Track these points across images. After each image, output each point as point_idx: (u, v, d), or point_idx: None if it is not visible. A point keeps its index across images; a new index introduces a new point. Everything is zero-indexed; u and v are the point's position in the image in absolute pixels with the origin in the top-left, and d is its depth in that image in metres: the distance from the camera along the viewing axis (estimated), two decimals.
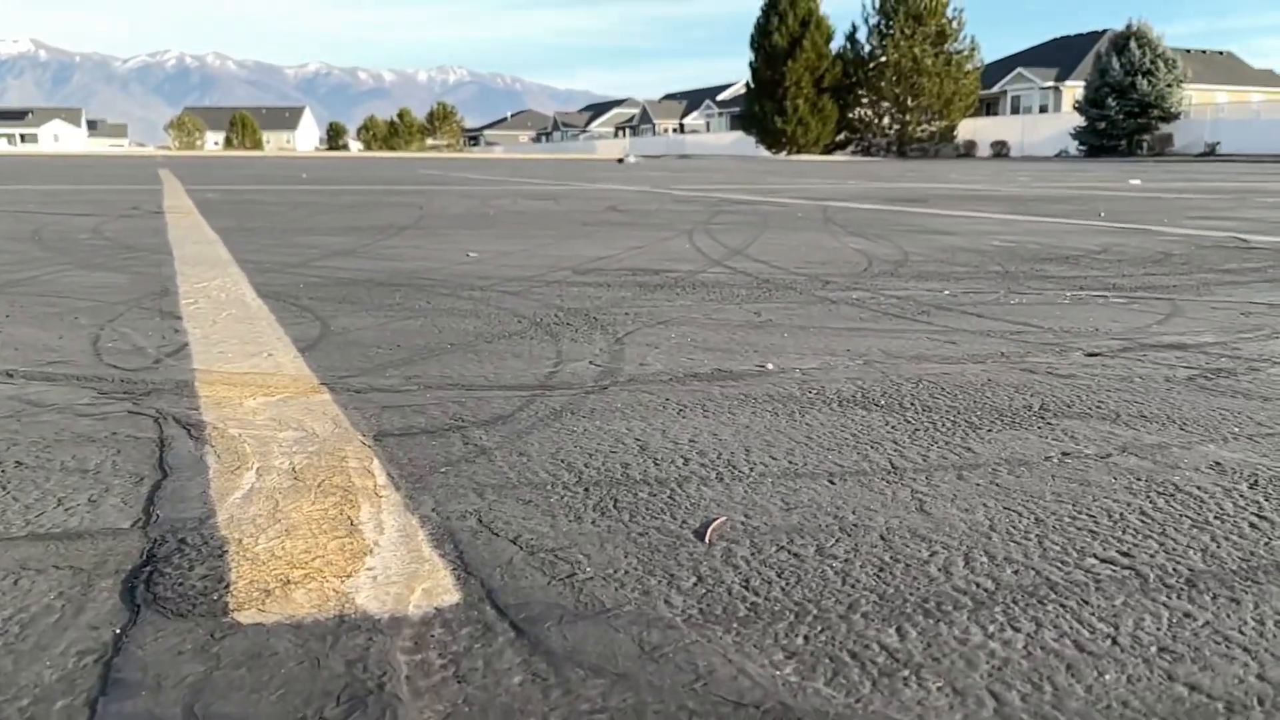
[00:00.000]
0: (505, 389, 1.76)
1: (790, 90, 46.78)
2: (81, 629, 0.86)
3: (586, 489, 1.24)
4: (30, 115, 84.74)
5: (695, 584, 0.97)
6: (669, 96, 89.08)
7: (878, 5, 45.55)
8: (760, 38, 48.01)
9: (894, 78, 44.93)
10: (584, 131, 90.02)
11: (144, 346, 2.08)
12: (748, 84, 50.71)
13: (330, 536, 1.06)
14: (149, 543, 1.05)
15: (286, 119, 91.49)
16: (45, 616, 0.88)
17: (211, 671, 0.79)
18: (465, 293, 2.93)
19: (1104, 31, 47.61)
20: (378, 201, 7.93)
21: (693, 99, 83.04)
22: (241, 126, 75.99)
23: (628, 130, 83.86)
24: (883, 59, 45.40)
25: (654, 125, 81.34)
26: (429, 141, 75.60)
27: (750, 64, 49.25)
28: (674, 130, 77.71)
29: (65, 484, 1.23)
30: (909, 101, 45.33)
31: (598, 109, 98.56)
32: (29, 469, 1.28)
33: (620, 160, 29.42)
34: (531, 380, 1.83)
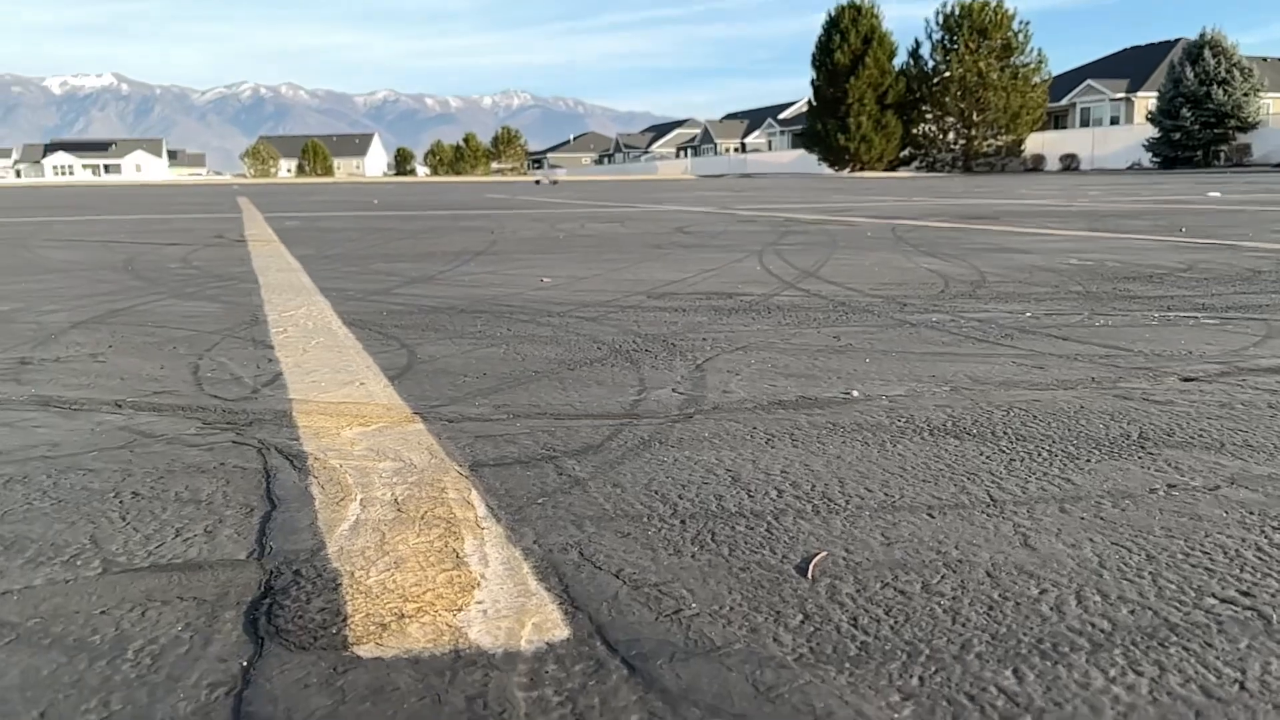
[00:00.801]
0: (592, 418, 1.77)
1: (853, 107, 46.51)
2: (210, 661, 0.89)
3: (683, 521, 1.24)
4: (114, 146, 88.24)
5: (802, 621, 0.97)
6: (730, 116, 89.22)
7: (941, 20, 45.11)
8: (822, 55, 47.87)
9: (959, 92, 44.41)
10: (645, 152, 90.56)
11: (241, 376, 2.14)
12: (810, 102, 50.57)
13: (438, 569, 1.09)
14: (265, 574, 1.08)
15: (356, 145, 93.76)
16: (175, 648, 0.92)
17: (338, 706, 0.81)
18: (544, 319, 2.97)
19: (1176, 41, 46.46)
20: (449, 227, 8.08)
21: (754, 118, 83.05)
22: (313, 154, 78.06)
23: (689, 150, 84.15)
24: (947, 74, 44.91)
25: (715, 145, 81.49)
26: (493, 165, 76.78)
27: (812, 82, 49.12)
28: (735, 149, 77.77)
29: (181, 515, 1.28)
30: (974, 116, 44.73)
31: (659, 130, 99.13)
32: (145, 500, 1.33)
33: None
34: (617, 409, 1.84)
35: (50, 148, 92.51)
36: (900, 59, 47.06)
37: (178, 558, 1.13)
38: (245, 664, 0.89)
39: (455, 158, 77.56)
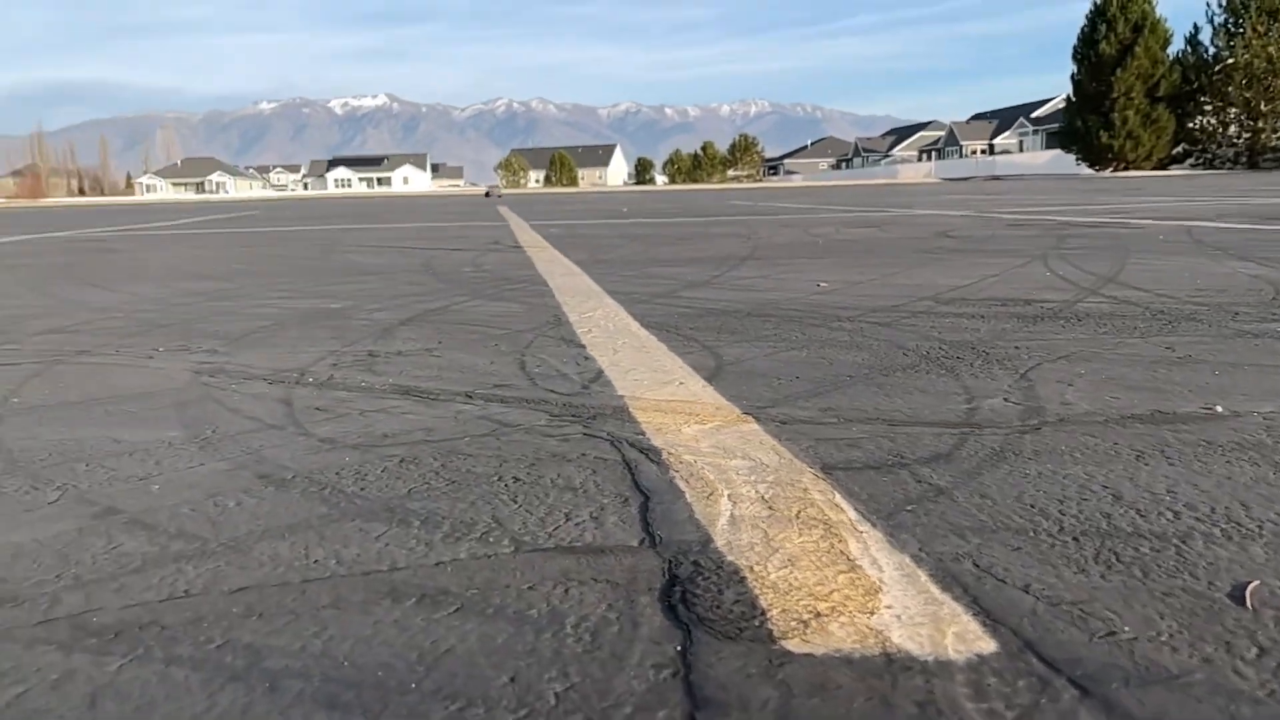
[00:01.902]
0: (928, 425, 1.72)
1: (1118, 101, 43.12)
2: (645, 642, 0.93)
3: (1075, 539, 1.17)
4: (385, 161, 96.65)
5: (1259, 655, 0.88)
6: (977, 116, 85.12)
7: (1225, 2, 40.89)
8: (1085, 47, 44.70)
9: (1244, 81, 40.09)
10: (886, 156, 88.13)
11: (567, 373, 2.25)
12: (1068, 98, 47.35)
13: (834, 570, 1.08)
14: (664, 563, 1.12)
15: (599, 156, 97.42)
16: (606, 627, 0.96)
17: (787, 699, 0.82)
18: (835, 324, 2.93)
19: None
20: (704, 233, 8.19)
21: (1004, 118, 78.81)
22: (559, 165, 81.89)
23: (932, 154, 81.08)
24: (1230, 61, 40.64)
25: (961, 147, 78.02)
26: (730, 172, 77.37)
27: (1072, 76, 45.97)
28: (982, 151, 74.11)
29: (563, 500, 1.35)
30: (1262, 106, 40.23)
31: (900, 133, 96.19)
32: (526, 484, 1.42)
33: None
34: (952, 417, 1.78)
35: (332, 163, 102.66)
36: (1174, 47, 43.10)
37: (577, 541, 1.19)
38: (679, 648, 0.92)
39: (693, 166, 78.85)
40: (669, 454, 1.55)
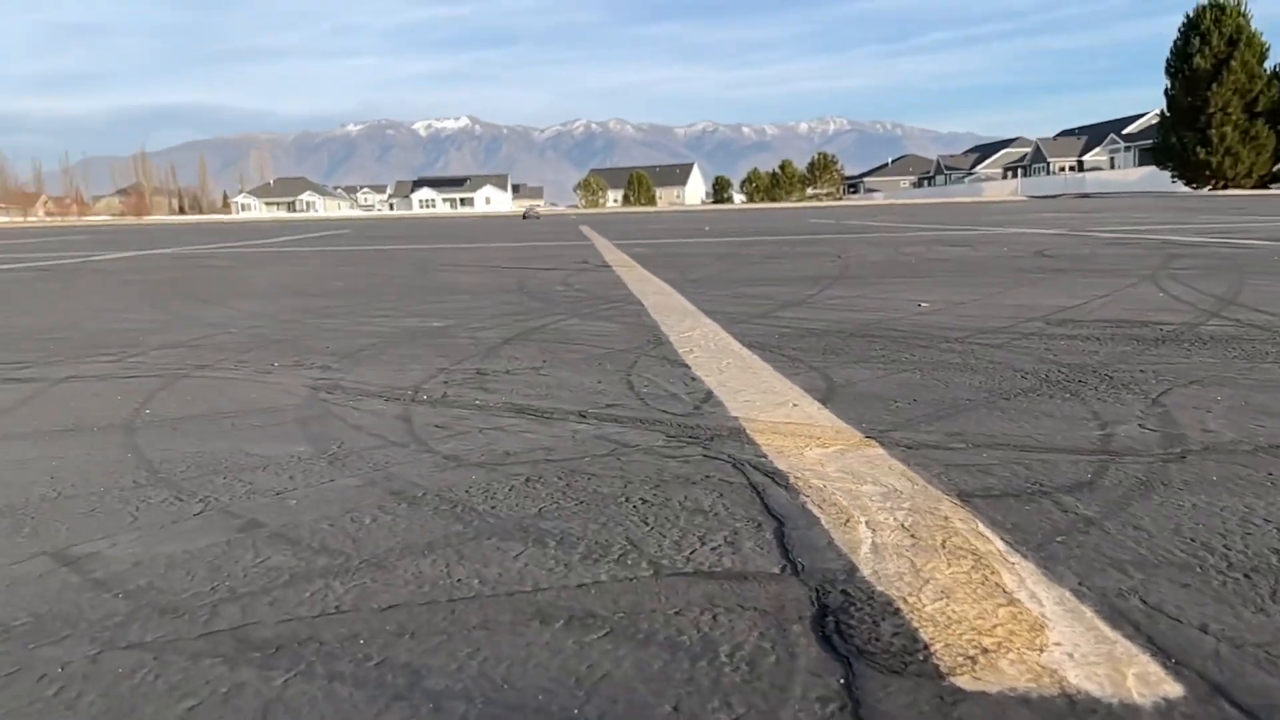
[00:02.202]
0: (1062, 451, 1.66)
1: (1215, 117, 41.61)
2: (804, 674, 0.91)
3: (1246, 575, 1.11)
4: (468, 182, 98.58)
5: None
6: (1065, 133, 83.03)
7: None
8: (1178, 62, 43.30)
9: None
10: (969, 174, 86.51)
11: (676, 393, 2.24)
12: (1162, 113, 45.88)
13: (993, 603, 1.04)
14: (811, 591, 1.09)
15: (676, 175, 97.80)
16: (762, 656, 0.94)
17: None
18: (943, 345, 2.86)
19: None
20: (791, 252, 8.13)
21: (1093, 134, 76.72)
22: (637, 184, 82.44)
23: (1018, 171, 79.31)
24: None
25: (1048, 164, 76.16)
26: (808, 191, 76.86)
27: (1165, 91, 44.54)
28: (1070, 168, 72.23)
29: (694, 523, 1.33)
30: None
31: (984, 150, 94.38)
32: (655, 506, 1.41)
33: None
34: (1085, 444, 1.71)
35: (416, 184, 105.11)
36: (1273, 60, 41.44)
37: (716, 566, 1.17)
38: (842, 681, 0.89)
39: (771, 184, 78.58)
40: (796, 478, 1.52)
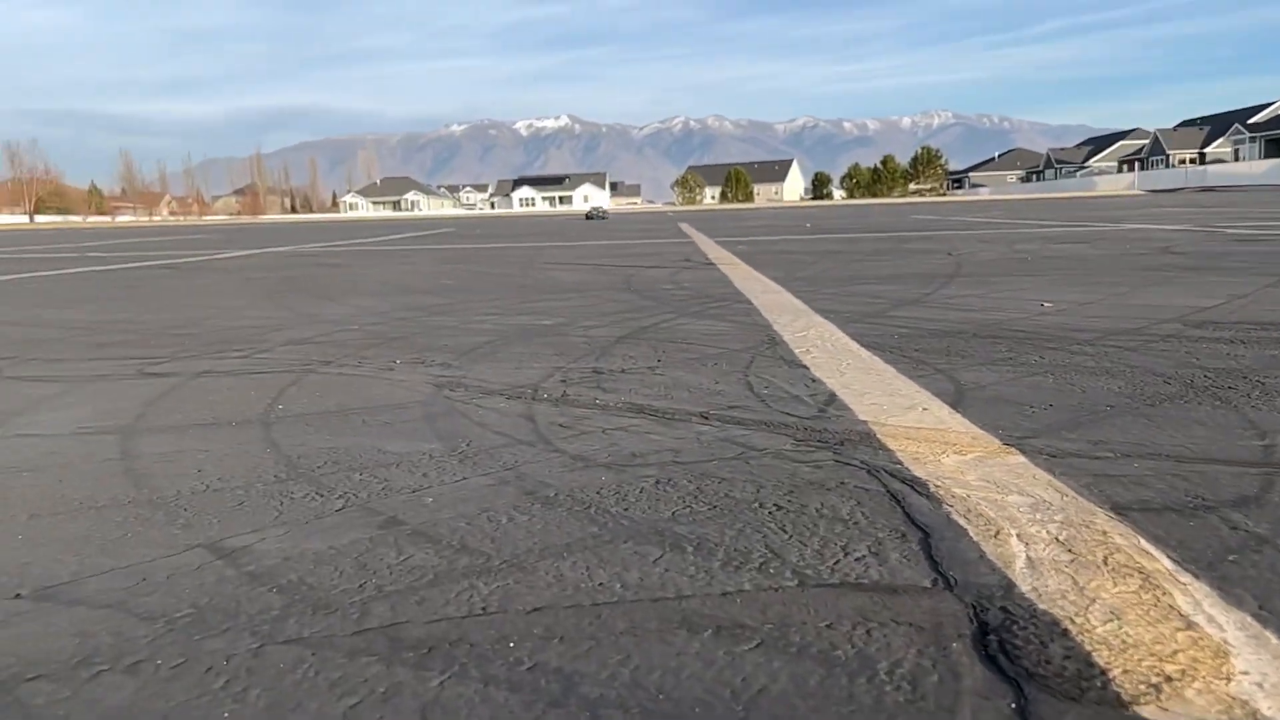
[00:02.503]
0: (1220, 463, 1.56)
1: None
2: (973, 696, 0.86)
3: None
4: (567, 180, 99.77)
5: None
6: (1185, 123, 79.14)
7: None
8: None
9: None
10: (1081, 168, 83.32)
11: (798, 395, 2.20)
12: None
13: (1170, 626, 0.98)
14: (967, 607, 1.04)
15: (775, 171, 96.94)
16: (924, 675, 0.90)
17: None
18: (1074, 347, 2.74)
19: None
20: (898, 249, 7.95)
21: (1216, 124, 72.96)
22: (735, 181, 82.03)
23: (1134, 164, 76.04)
24: None
25: (1167, 156, 72.76)
26: (911, 186, 75.22)
27: None
28: (1191, 161, 68.85)
29: (834, 531, 1.30)
30: None
31: (1098, 143, 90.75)
32: (791, 513, 1.38)
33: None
34: (1246, 455, 1.61)
35: (517, 183, 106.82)
36: None
37: (863, 577, 1.14)
38: (1014, 705, 0.84)
39: (872, 180, 77.17)
40: (936, 486, 1.47)
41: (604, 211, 27.73)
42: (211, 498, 1.52)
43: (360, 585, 1.15)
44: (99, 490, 1.58)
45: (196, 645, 1.00)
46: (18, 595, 1.14)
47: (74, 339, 3.63)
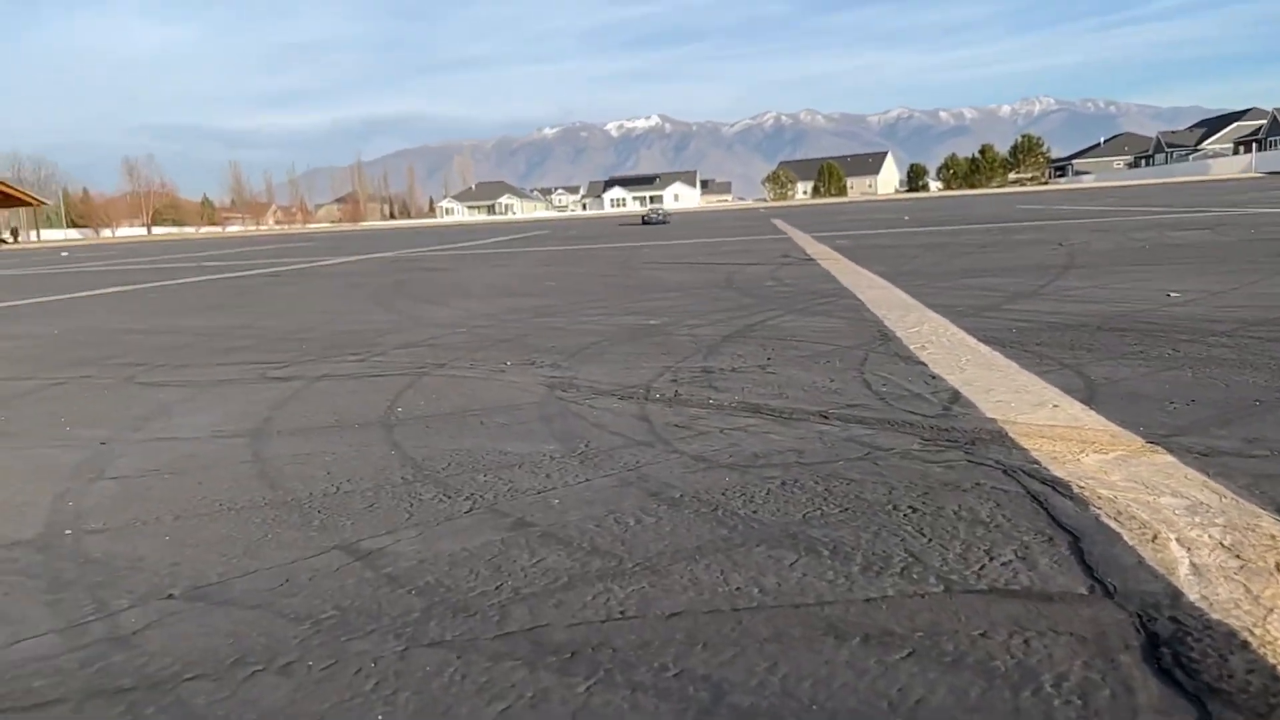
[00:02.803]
0: None
1: None
2: (1150, 713, 0.81)
3: None
4: (657, 179, 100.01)
5: None
6: None
7: None
8: None
9: None
10: (1194, 151, 79.51)
11: (918, 393, 2.13)
12: None
13: None
14: (1131, 617, 0.99)
15: (869, 164, 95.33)
16: (1093, 689, 0.85)
17: None
18: (1210, 339, 2.60)
19: None
20: (1005, 240, 7.70)
21: None
22: (828, 175, 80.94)
23: (1252, 145, 72.19)
24: None
25: None
26: (1011, 176, 72.93)
27: None
28: None
29: (975, 535, 1.24)
30: None
31: (1211, 124, 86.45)
32: (927, 516, 1.33)
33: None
34: None
35: (608, 183, 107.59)
36: None
37: (1012, 583, 1.09)
38: None
39: (970, 170, 75.11)
40: (1080, 487, 1.40)
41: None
42: (343, 499, 1.55)
43: (497, 587, 1.15)
44: (237, 492, 1.63)
45: (344, 647, 1.01)
46: (170, 595, 1.18)
47: (198, 345, 3.78)
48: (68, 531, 1.46)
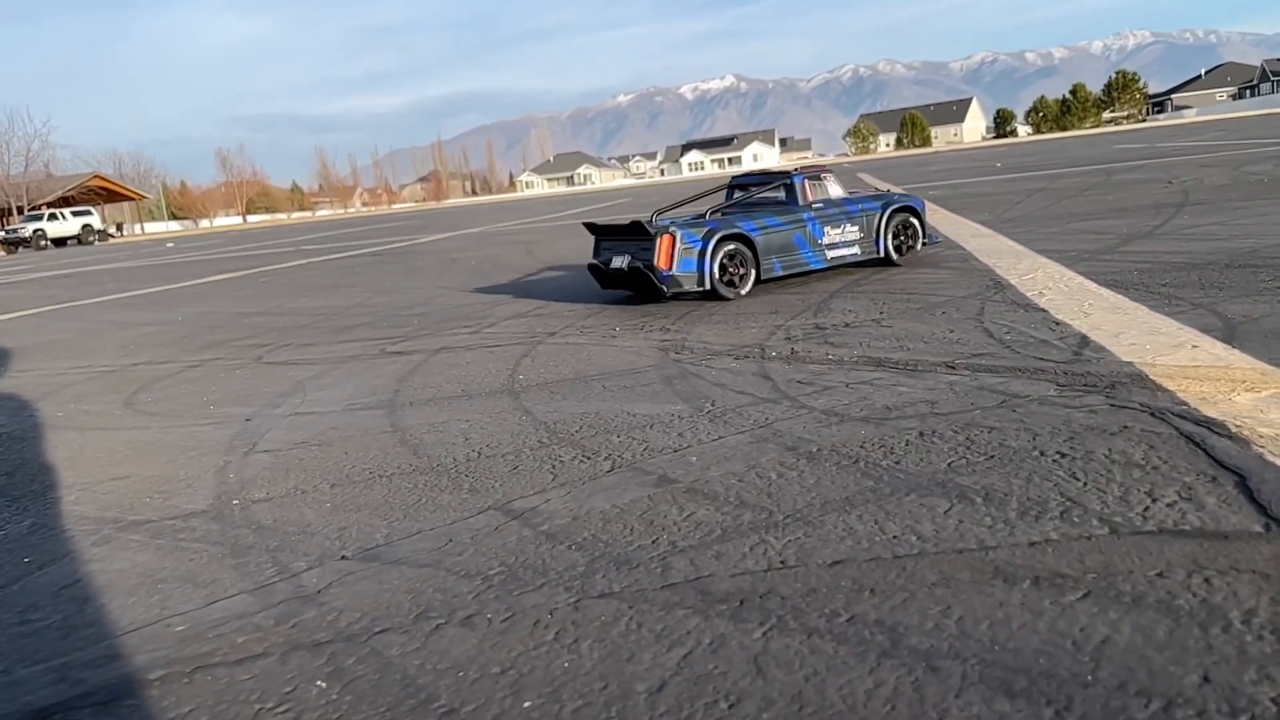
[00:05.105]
0: None
1: None
2: None
3: None
4: (734, 140, 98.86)
5: None
6: None
7: None
8: None
9: None
10: None
11: (1044, 339, 2.09)
12: None
13: None
14: None
15: (953, 112, 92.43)
16: (1276, 624, 0.84)
17: None
18: None
19: None
20: (1109, 181, 7.41)
21: None
22: (910, 126, 78.70)
23: None
24: None
25: None
26: (1105, 115, 69.79)
27: None
28: None
29: (1131, 476, 1.22)
30: None
31: None
32: (1078, 460, 1.31)
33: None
34: None
35: (685, 147, 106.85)
36: None
37: (1182, 524, 1.07)
38: None
39: (1060, 112, 72.07)
40: (1237, 426, 1.36)
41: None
42: (486, 463, 1.60)
43: (654, 541, 1.18)
44: (385, 460, 1.69)
45: (518, 600, 1.05)
46: (344, 556, 1.24)
47: (316, 324, 3.91)
48: (235, 501, 1.54)
